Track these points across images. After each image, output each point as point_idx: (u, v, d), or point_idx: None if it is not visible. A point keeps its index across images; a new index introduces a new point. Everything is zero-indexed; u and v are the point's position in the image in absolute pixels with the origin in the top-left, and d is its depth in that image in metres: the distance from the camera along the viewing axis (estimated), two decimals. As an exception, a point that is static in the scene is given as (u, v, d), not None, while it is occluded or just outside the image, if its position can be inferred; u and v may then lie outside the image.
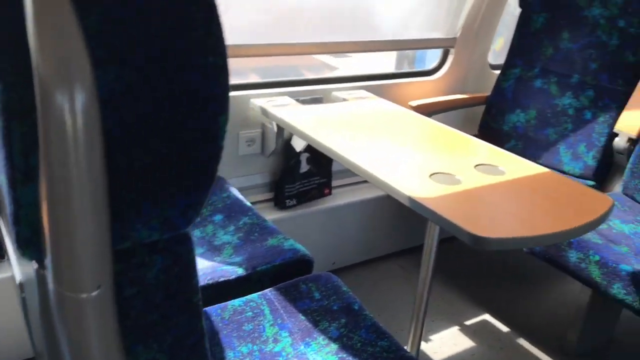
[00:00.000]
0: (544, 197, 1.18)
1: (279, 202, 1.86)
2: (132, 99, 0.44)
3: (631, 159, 1.80)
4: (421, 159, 1.31)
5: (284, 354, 1.02)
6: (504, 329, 1.84)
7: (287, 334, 1.06)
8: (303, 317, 1.10)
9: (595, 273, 1.42)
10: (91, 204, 0.41)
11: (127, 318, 0.52)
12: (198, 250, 1.36)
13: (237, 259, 1.28)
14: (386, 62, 2.97)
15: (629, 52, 1.85)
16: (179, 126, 0.48)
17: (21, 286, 0.59)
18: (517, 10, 2.15)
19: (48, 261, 0.42)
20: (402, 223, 2.13)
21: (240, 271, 1.22)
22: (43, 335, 0.51)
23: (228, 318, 1.09)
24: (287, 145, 1.83)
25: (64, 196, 0.39)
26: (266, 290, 1.18)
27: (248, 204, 1.52)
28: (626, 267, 1.38)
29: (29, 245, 0.47)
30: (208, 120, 0.50)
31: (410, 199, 1.09)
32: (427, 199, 1.08)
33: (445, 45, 2.19)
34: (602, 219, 1.11)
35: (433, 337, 1.79)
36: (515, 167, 1.29)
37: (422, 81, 2.16)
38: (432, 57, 2.31)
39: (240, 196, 1.56)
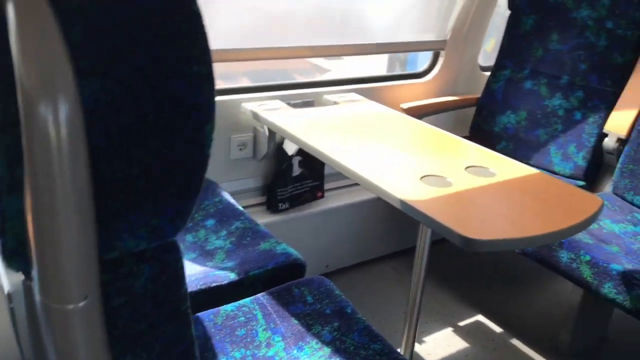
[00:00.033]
0: (535, 198, 1.19)
1: (272, 206, 1.86)
2: (117, 109, 0.44)
3: (621, 159, 1.81)
4: (412, 161, 1.31)
5: (277, 358, 1.02)
6: (497, 329, 1.85)
7: (280, 339, 1.06)
8: (296, 321, 1.10)
9: (587, 273, 1.43)
10: (77, 215, 0.40)
11: (114, 328, 0.52)
12: (190, 256, 1.36)
13: (230, 264, 1.28)
14: (378, 64, 2.98)
15: (617, 53, 1.86)
16: (165, 136, 0.48)
17: (9, 296, 0.59)
18: (508, 12, 2.16)
19: (34, 273, 0.42)
20: (394, 225, 2.13)
21: (232, 276, 1.22)
22: (31, 345, 0.51)
23: (221, 323, 1.09)
24: (279, 149, 1.83)
25: (48, 207, 0.39)
26: (259, 295, 1.17)
27: (240, 208, 1.52)
28: (617, 266, 1.39)
29: (15, 257, 0.47)
30: (194, 129, 0.50)
31: (402, 202, 1.09)
32: (418, 201, 1.09)
33: (436, 48, 2.20)
34: (592, 219, 1.12)
35: (427, 338, 1.79)
36: (506, 168, 1.30)
37: (413, 83, 2.17)
38: (423, 60, 2.32)
39: (232, 200, 1.56)
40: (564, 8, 1.97)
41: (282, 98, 1.81)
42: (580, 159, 1.90)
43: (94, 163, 0.44)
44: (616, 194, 1.81)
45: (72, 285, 0.42)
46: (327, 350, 1.03)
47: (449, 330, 1.83)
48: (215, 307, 1.13)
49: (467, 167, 1.29)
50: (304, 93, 1.88)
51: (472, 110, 2.21)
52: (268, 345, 1.05)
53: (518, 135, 2.06)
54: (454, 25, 2.16)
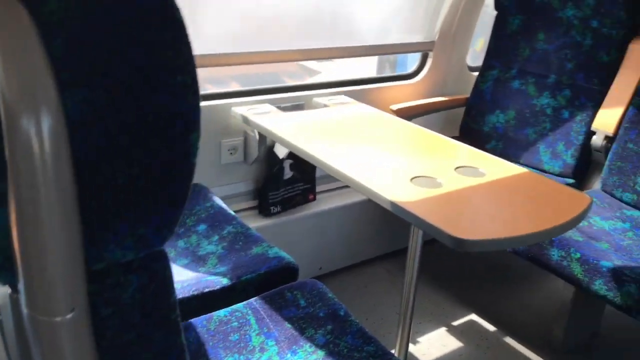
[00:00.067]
0: (524, 197, 1.20)
1: (264, 210, 1.86)
2: (101, 120, 0.44)
3: (609, 157, 1.83)
4: (402, 162, 1.32)
5: (270, 363, 1.02)
6: (491, 328, 1.86)
7: (273, 343, 1.06)
8: (289, 325, 1.10)
9: (577, 270, 1.44)
10: (62, 228, 0.40)
11: (103, 338, 0.52)
12: (182, 261, 1.36)
13: (222, 269, 1.28)
14: (368, 65, 2.99)
15: (602, 52, 1.88)
16: (150, 145, 0.48)
17: None
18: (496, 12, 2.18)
19: (21, 286, 0.42)
20: (387, 226, 2.14)
21: (225, 281, 1.22)
22: (19, 357, 0.51)
23: (214, 329, 1.09)
24: (269, 152, 1.83)
25: (33, 220, 0.39)
26: (251, 300, 1.17)
27: (232, 212, 1.52)
28: (607, 263, 1.40)
29: (1, 270, 0.47)
30: (179, 139, 0.50)
31: (392, 204, 1.10)
32: (409, 203, 1.09)
33: (424, 49, 2.21)
34: (581, 217, 1.13)
35: (421, 339, 1.80)
36: (495, 168, 1.31)
37: (402, 85, 2.18)
38: (413, 60, 2.33)
39: (223, 205, 1.55)
40: (549, 8, 1.99)
41: (272, 102, 1.81)
42: (569, 157, 1.92)
43: (79, 174, 0.43)
44: (605, 191, 1.83)
45: (59, 298, 0.42)
46: (320, 354, 1.03)
47: (442, 330, 1.84)
48: (208, 312, 1.13)
49: (457, 168, 1.30)
50: (294, 96, 1.89)
51: (461, 111, 2.22)
52: (262, 349, 1.05)
53: (507, 134, 2.07)
54: (441, 26, 2.17)
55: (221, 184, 1.81)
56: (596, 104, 1.89)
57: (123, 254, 0.51)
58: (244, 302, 1.16)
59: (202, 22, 1.69)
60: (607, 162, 1.83)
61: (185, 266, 1.33)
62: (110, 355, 0.53)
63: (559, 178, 1.92)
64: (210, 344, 1.05)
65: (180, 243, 1.42)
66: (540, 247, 1.53)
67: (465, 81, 2.33)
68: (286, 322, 1.11)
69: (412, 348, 1.75)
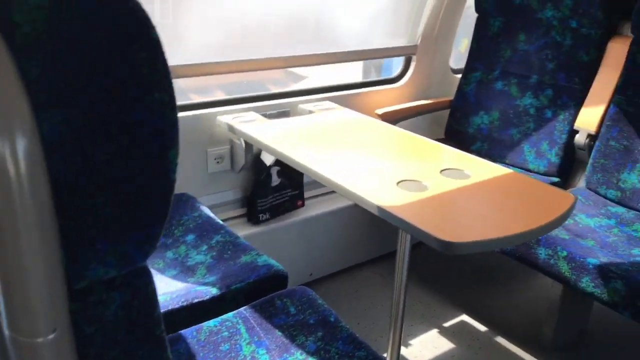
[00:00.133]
0: (509, 197, 1.21)
1: (252, 217, 1.86)
2: (79, 140, 0.44)
3: (592, 154, 1.85)
4: (388, 167, 1.33)
5: (262, 372, 1.02)
6: (482, 328, 1.87)
7: (264, 351, 1.06)
8: (279, 333, 1.10)
9: (564, 268, 1.46)
10: (41, 248, 0.40)
11: (86, 356, 0.52)
12: (171, 272, 1.35)
13: (211, 279, 1.28)
14: (354, 70, 3.00)
15: (582, 51, 1.91)
16: (128, 163, 0.48)
17: None
18: (477, 14, 2.20)
19: (1, 308, 0.42)
20: (376, 230, 2.15)
21: (214, 291, 1.21)
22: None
23: (204, 340, 1.09)
24: (256, 160, 1.83)
25: (12, 242, 0.39)
26: (241, 309, 1.17)
27: (220, 221, 1.52)
28: (593, 260, 1.41)
29: None
30: (157, 156, 0.50)
31: (379, 208, 1.10)
32: (395, 207, 1.10)
33: (407, 53, 2.23)
34: (566, 215, 1.14)
35: (413, 341, 1.80)
36: (480, 169, 1.32)
37: (386, 89, 2.19)
38: (398, 63, 2.34)
39: (211, 214, 1.55)
40: (529, 9, 2.02)
41: (257, 109, 1.81)
42: (553, 156, 1.94)
43: (58, 194, 0.43)
44: (590, 189, 1.85)
45: (40, 319, 0.42)
46: (312, 361, 1.03)
47: (434, 332, 1.85)
48: (198, 323, 1.13)
49: (443, 170, 1.31)
50: (279, 103, 1.89)
51: (446, 113, 2.24)
52: (253, 358, 1.04)
53: (492, 135, 2.09)
54: (423, 30, 2.19)
55: (209, 193, 1.81)
56: (578, 103, 1.92)
57: (105, 272, 0.51)
58: (234, 312, 1.16)
59: (186, 31, 1.69)
60: (590, 160, 1.86)
61: (174, 277, 1.33)
62: None
63: (544, 177, 1.94)
64: (201, 354, 1.05)
65: (169, 254, 1.41)
66: (527, 246, 1.55)
67: (448, 83, 2.35)
68: (277, 330, 1.11)
69: (404, 351, 1.76)
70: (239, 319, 1.14)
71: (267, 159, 1.82)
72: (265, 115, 1.79)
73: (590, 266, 1.40)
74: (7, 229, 0.39)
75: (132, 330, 0.54)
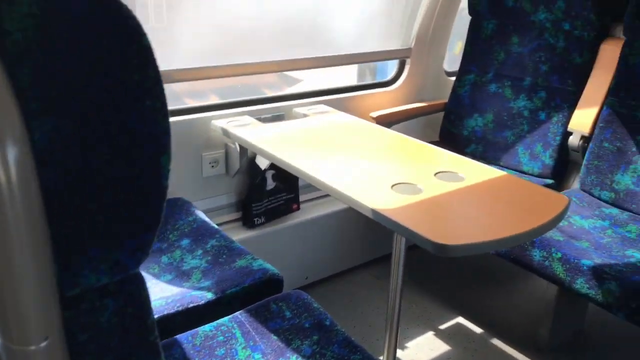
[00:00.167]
0: (503, 200, 1.21)
1: (248, 221, 1.85)
2: (71, 147, 0.44)
3: (586, 156, 1.86)
4: (383, 170, 1.33)
5: (257, 376, 1.01)
6: (478, 330, 1.87)
7: (260, 356, 1.06)
8: (275, 337, 1.10)
9: (559, 270, 1.46)
10: (33, 256, 0.40)
11: None
12: (166, 277, 1.35)
13: (206, 283, 1.28)
14: (349, 73, 3.01)
15: (575, 53, 1.92)
16: (120, 170, 0.48)
17: None
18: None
19: None
20: (372, 233, 2.15)
21: (209, 295, 1.21)
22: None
23: (200, 344, 1.08)
24: (251, 164, 1.83)
25: (3, 250, 0.39)
26: (237, 313, 1.17)
27: (215, 226, 1.52)
28: (587, 261, 1.42)
29: None
30: (149, 162, 0.50)
31: (373, 211, 1.10)
32: (390, 210, 1.10)
33: (401, 56, 2.23)
34: (560, 217, 1.14)
35: (409, 344, 1.81)
36: (474, 172, 1.33)
37: (381, 92, 2.20)
38: (393, 66, 2.35)
39: (206, 219, 1.55)
40: (522, 12, 2.03)
41: (251, 113, 1.82)
42: (547, 158, 1.95)
43: (49, 202, 0.43)
44: (583, 190, 1.86)
45: (32, 327, 0.42)
46: (307, 365, 1.03)
47: (430, 334, 1.85)
48: (193, 328, 1.13)
49: (437, 173, 1.31)
50: (274, 107, 1.89)
51: (440, 115, 2.24)
52: (248, 363, 1.04)
53: (486, 137, 2.10)
54: (417, 33, 2.20)
55: (203, 197, 1.80)
56: (571, 105, 1.93)
57: (98, 279, 0.51)
58: (230, 316, 1.16)
59: (180, 35, 1.69)
60: (584, 162, 1.87)
61: (170, 282, 1.32)
62: None
63: (539, 179, 1.95)
64: (197, 359, 1.05)
65: (164, 258, 1.41)
66: (522, 248, 1.55)
67: (443, 86, 2.36)
68: (272, 335, 1.11)
69: (400, 353, 1.76)
70: (234, 323, 1.14)
71: (262, 163, 1.82)
72: (259, 119, 1.79)
73: (585, 267, 1.41)
74: None
75: (125, 337, 0.54)
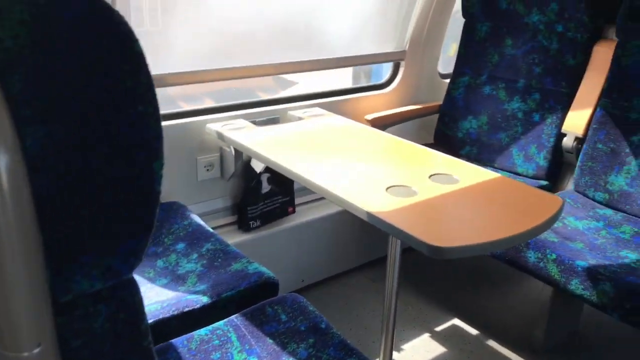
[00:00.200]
0: (497, 202, 1.22)
1: (243, 225, 1.85)
2: (63, 154, 0.44)
3: (580, 157, 1.87)
4: (377, 173, 1.33)
5: (253, 380, 1.01)
6: (473, 331, 1.88)
7: (255, 359, 1.06)
8: (271, 341, 1.10)
9: (554, 271, 1.47)
10: (25, 263, 0.40)
11: None
12: (162, 281, 1.34)
13: (202, 287, 1.27)
14: (344, 75, 3.01)
15: (569, 55, 1.93)
16: (112, 176, 0.48)
17: None
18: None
19: None
20: (367, 235, 2.15)
21: (205, 299, 1.21)
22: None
23: (195, 348, 1.08)
24: (246, 167, 1.83)
25: (-5, 258, 0.39)
26: (232, 317, 1.17)
27: (210, 229, 1.51)
28: (582, 262, 1.43)
29: None
30: (142, 168, 0.50)
31: (368, 214, 1.11)
32: (385, 212, 1.10)
33: (396, 59, 2.24)
34: (554, 219, 1.15)
35: (405, 346, 1.81)
36: (469, 174, 1.33)
37: (375, 95, 2.20)
38: (388, 68, 2.35)
39: (201, 222, 1.55)
40: (515, 14, 2.04)
41: (246, 116, 1.82)
42: (541, 159, 1.96)
43: (41, 208, 0.43)
44: (578, 191, 1.87)
45: (25, 334, 0.42)
46: (303, 368, 1.03)
47: (426, 336, 1.85)
48: (189, 332, 1.12)
49: (431, 175, 1.31)
50: (269, 110, 1.89)
51: (435, 117, 2.25)
52: (244, 367, 1.04)
53: (481, 139, 2.11)
54: (411, 35, 2.21)
55: (199, 201, 1.80)
56: (565, 107, 1.93)
57: (90, 285, 0.51)
58: (225, 320, 1.16)
59: (175, 39, 1.69)
60: (578, 163, 1.87)
61: (165, 286, 1.32)
62: None
63: (533, 180, 1.95)
64: (192, 364, 1.04)
65: (159, 263, 1.41)
66: (517, 249, 1.56)
67: (437, 88, 2.36)
68: (268, 338, 1.11)
69: (396, 356, 1.76)
70: (229, 327, 1.14)
71: (257, 166, 1.82)
72: (254, 122, 1.79)
73: (579, 268, 1.42)
74: None
75: (118, 343, 0.54)
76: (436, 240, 1.00)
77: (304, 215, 2.00)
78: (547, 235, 1.56)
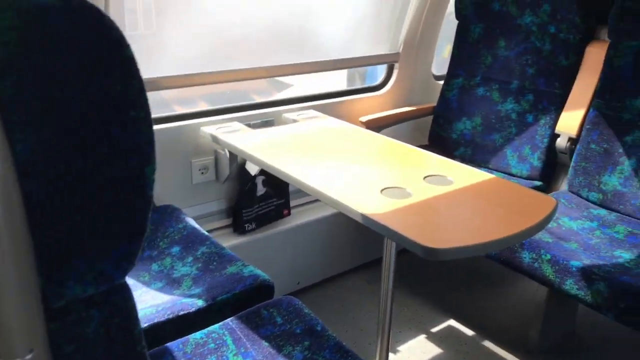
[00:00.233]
0: (492, 203, 1.22)
1: (238, 227, 1.85)
2: (54, 159, 0.44)
3: (573, 158, 1.88)
4: (372, 174, 1.33)
5: (249, 383, 1.01)
6: (469, 332, 1.88)
7: (251, 363, 1.06)
8: (266, 344, 1.10)
9: (548, 271, 1.47)
10: (16, 269, 0.40)
11: None
12: (157, 285, 1.34)
13: (197, 291, 1.27)
14: (339, 77, 3.02)
15: (561, 56, 1.94)
16: (104, 181, 0.48)
17: None
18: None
19: None
20: (363, 237, 2.15)
21: (200, 303, 1.21)
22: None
23: (190, 352, 1.08)
24: (241, 170, 1.83)
25: (-14, 264, 0.39)
26: (227, 320, 1.17)
27: (205, 232, 1.51)
28: (576, 263, 1.43)
29: None
30: (133, 173, 0.50)
31: (363, 216, 1.11)
32: (379, 214, 1.10)
33: (390, 61, 2.24)
34: (548, 219, 1.15)
35: (401, 347, 1.81)
36: (463, 175, 1.33)
37: (370, 97, 2.20)
38: (383, 70, 2.36)
39: (196, 225, 1.55)
40: (508, 16, 2.05)
41: (241, 119, 1.81)
42: (535, 160, 1.96)
43: (32, 213, 0.43)
44: (572, 192, 1.87)
45: (17, 340, 0.41)
46: (299, 371, 1.03)
47: (422, 338, 1.85)
48: (184, 336, 1.12)
49: (426, 177, 1.32)
50: (263, 113, 1.89)
51: (429, 119, 2.25)
52: (239, 370, 1.04)
53: (475, 140, 2.11)
54: (405, 37, 2.21)
55: (193, 204, 1.80)
56: (558, 107, 1.94)
57: (83, 290, 0.51)
58: (220, 323, 1.16)
59: (169, 42, 1.69)
60: (572, 163, 1.88)
61: (160, 289, 1.32)
62: None
63: (527, 181, 1.96)
64: (188, 367, 1.04)
65: (154, 266, 1.40)
66: (511, 250, 1.56)
67: (431, 90, 2.37)
68: (263, 341, 1.10)
69: (392, 357, 1.76)
70: (225, 330, 1.13)
71: (252, 169, 1.82)
72: (249, 125, 1.79)
73: (574, 269, 1.42)
74: None
75: (112, 348, 0.54)
76: (430, 242, 1.00)
77: (299, 217, 1.99)
78: (542, 236, 1.57)
